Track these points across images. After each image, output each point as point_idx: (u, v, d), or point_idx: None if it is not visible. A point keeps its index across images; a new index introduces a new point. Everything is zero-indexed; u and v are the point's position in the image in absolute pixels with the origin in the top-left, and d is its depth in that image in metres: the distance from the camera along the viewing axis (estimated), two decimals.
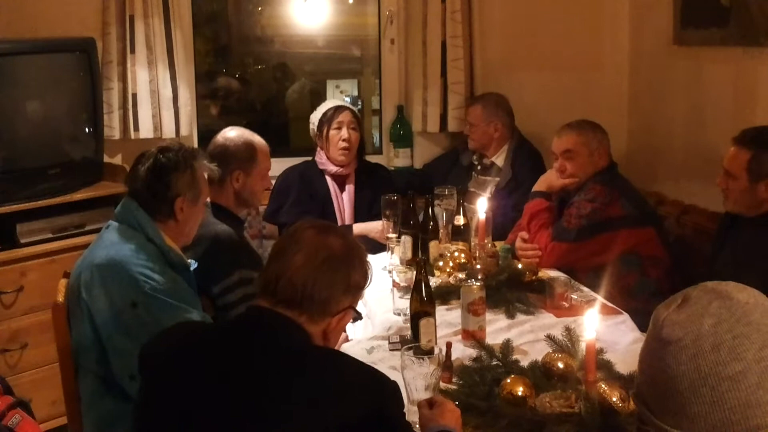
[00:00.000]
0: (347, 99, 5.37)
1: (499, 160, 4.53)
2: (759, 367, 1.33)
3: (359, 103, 5.45)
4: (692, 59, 4.40)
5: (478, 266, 3.34)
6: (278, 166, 4.21)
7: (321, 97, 5.30)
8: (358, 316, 2.14)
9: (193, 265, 2.94)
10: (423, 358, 2.28)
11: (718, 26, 4.12)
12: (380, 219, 3.98)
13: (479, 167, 4.62)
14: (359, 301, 2.10)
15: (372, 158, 4.76)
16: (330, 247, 1.95)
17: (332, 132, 4.24)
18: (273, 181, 4.16)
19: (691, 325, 1.37)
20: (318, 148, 4.35)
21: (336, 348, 2.40)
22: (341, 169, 4.29)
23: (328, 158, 4.29)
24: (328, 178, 4.32)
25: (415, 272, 2.93)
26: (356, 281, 2.00)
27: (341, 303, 1.97)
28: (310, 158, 4.41)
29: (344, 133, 4.22)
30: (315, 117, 4.35)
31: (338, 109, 4.29)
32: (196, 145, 4.53)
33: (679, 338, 1.37)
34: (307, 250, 1.93)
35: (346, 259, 1.97)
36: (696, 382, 1.34)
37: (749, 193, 3.17)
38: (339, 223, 4.23)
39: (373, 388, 1.82)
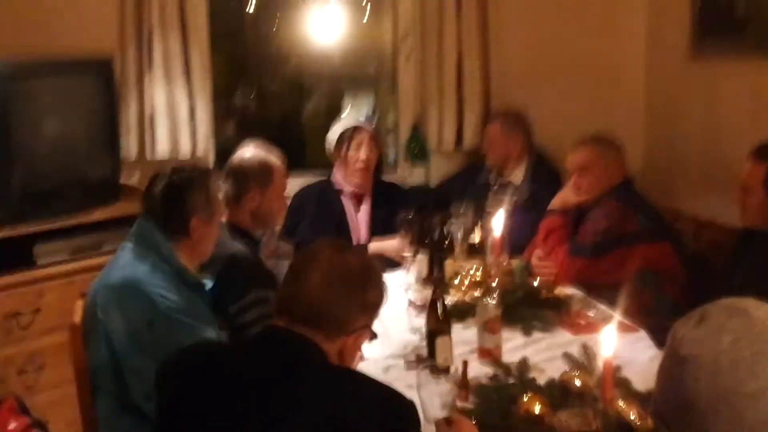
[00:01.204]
0: (363, 116, 5.37)
1: (517, 178, 4.52)
2: None
3: (375, 119, 5.45)
4: (709, 71, 4.39)
5: (494, 284, 3.33)
6: (295, 182, 4.21)
7: (337, 114, 5.30)
8: (374, 336, 2.14)
9: (209, 284, 2.95)
10: (439, 377, 2.27)
11: (734, 38, 4.12)
12: (396, 238, 3.98)
13: (496, 186, 4.61)
14: (375, 320, 2.10)
15: (387, 175, 4.76)
16: (347, 266, 1.96)
17: (351, 153, 4.24)
18: (288, 201, 4.16)
19: (709, 342, 1.36)
20: (335, 168, 4.35)
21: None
22: (358, 189, 4.30)
23: (345, 178, 4.30)
24: (344, 198, 4.32)
25: (431, 290, 2.93)
26: (372, 300, 2.00)
27: (357, 322, 1.97)
28: (325, 178, 4.41)
29: (363, 154, 4.23)
30: (332, 136, 4.35)
31: (357, 129, 4.29)
32: (212, 164, 4.55)
33: (696, 356, 1.36)
34: (323, 269, 1.94)
35: (363, 278, 1.97)
36: (714, 400, 1.33)
37: (767, 207, 3.15)
38: (354, 242, 4.23)
39: (391, 407, 1.82)
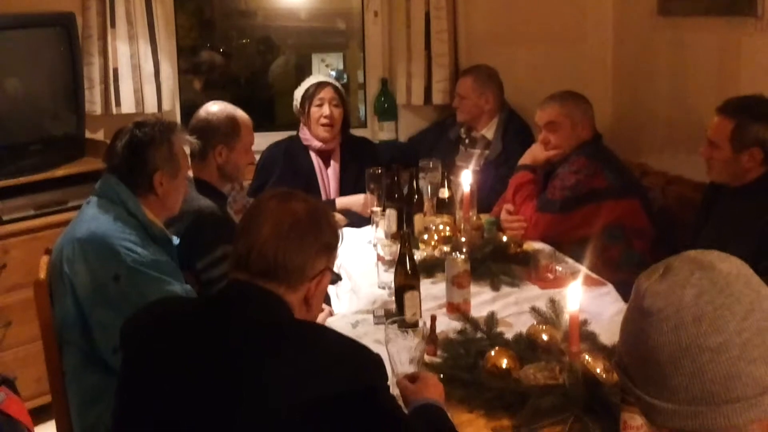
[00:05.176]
0: (333, 73, 5.34)
1: (489, 133, 4.52)
2: (740, 339, 1.31)
3: (345, 76, 5.42)
4: (676, 29, 4.39)
5: (463, 239, 3.32)
6: (263, 140, 4.19)
7: (306, 72, 5.27)
8: (336, 278, 2.13)
9: (176, 240, 2.93)
10: (407, 332, 2.28)
11: None
12: (366, 193, 3.98)
13: (467, 140, 4.60)
14: (335, 261, 2.09)
15: (357, 132, 4.74)
16: (293, 212, 1.94)
17: (314, 109, 4.22)
18: (257, 156, 4.13)
19: (672, 296, 1.35)
20: (301, 124, 4.33)
21: (318, 321, 2.40)
22: (325, 145, 4.27)
23: (311, 134, 4.27)
24: (313, 154, 4.30)
25: (399, 246, 2.92)
26: (326, 241, 1.99)
27: (316, 266, 1.95)
28: (294, 133, 4.39)
29: (326, 110, 4.21)
30: (298, 93, 4.33)
31: (320, 85, 4.27)
32: (178, 120, 4.50)
33: (660, 309, 1.35)
34: (272, 220, 1.92)
35: (312, 221, 1.96)
36: (677, 354, 1.33)
37: (733, 162, 3.17)
38: (323, 197, 4.21)
39: (356, 362, 1.81)
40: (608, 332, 2.50)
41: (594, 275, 3.20)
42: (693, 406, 1.33)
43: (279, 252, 1.89)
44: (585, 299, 2.47)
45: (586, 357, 2.25)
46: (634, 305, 1.42)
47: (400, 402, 2.06)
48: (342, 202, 4.12)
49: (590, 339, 2.50)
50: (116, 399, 1.97)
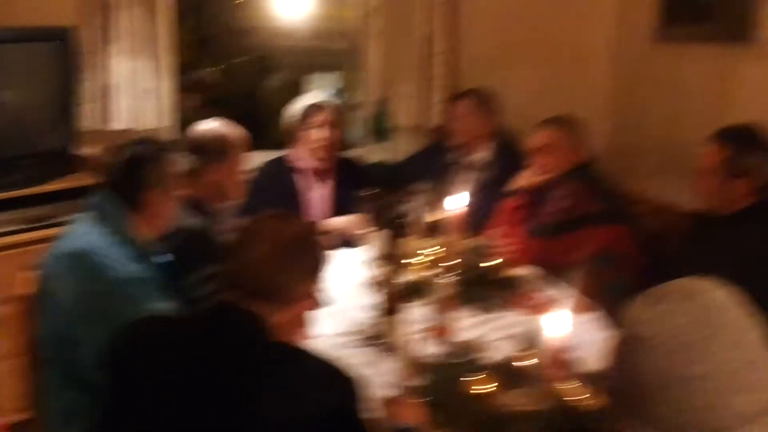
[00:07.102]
0: (330, 92, 5.35)
1: (484, 157, 4.51)
2: (727, 368, 1.32)
3: (342, 96, 5.44)
4: (675, 56, 4.42)
5: (451, 263, 3.32)
6: (258, 159, 4.18)
7: (303, 91, 5.27)
8: (324, 301, 2.13)
9: (163, 258, 2.92)
10: (391, 355, 2.27)
11: (701, 23, 4.15)
12: (356, 215, 3.96)
13: (462, 163, 4.60)
14: (323, 284, 2.10)
15: (352, 152, 4.73)
16: (285, 234, 1.97)
17: (311, 131, 4.19)
18: (249, 175, 4.12)
19: (662, 323, 1.36)
20: (294, 145, 4.31)
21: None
22: (317, 165, 4.26)
23: (306, 156, 4.25)
24: (303, 174, 4.28)
25: (386, 268, 2.92)
26: (316, 264, 2.02)
27: (304, 288, 1.98)
28: (284, 153, 4.37)
29: (325, 132, 4.18)
30: (292, 112, 4.30)
31: (317, 107, 4.24)
32: (175, 137, 4.50)
33: (649, 336, 1.36)
34: (263, 241, 1.94)
35: (303, 243, 1.98)
36: (664, 381, 1.34)
37: (724, 190, 3.17)
38: (313, 219, 4.19)
39: (334, 384, 1.82)
40: (594, 359, 2.48)
41: (582, 301, 3.18)
42: None
43: (268, 272, 1.91)
44: (573, 325, 2.46)
45: (570, 383, 2.23)
46: (624, 331, 1.43)
47: (383, 425, 2.05)
48: (331, 223, 4.11)
49: (576, 365, 2.48)
50: (99, 416, 1.96)
